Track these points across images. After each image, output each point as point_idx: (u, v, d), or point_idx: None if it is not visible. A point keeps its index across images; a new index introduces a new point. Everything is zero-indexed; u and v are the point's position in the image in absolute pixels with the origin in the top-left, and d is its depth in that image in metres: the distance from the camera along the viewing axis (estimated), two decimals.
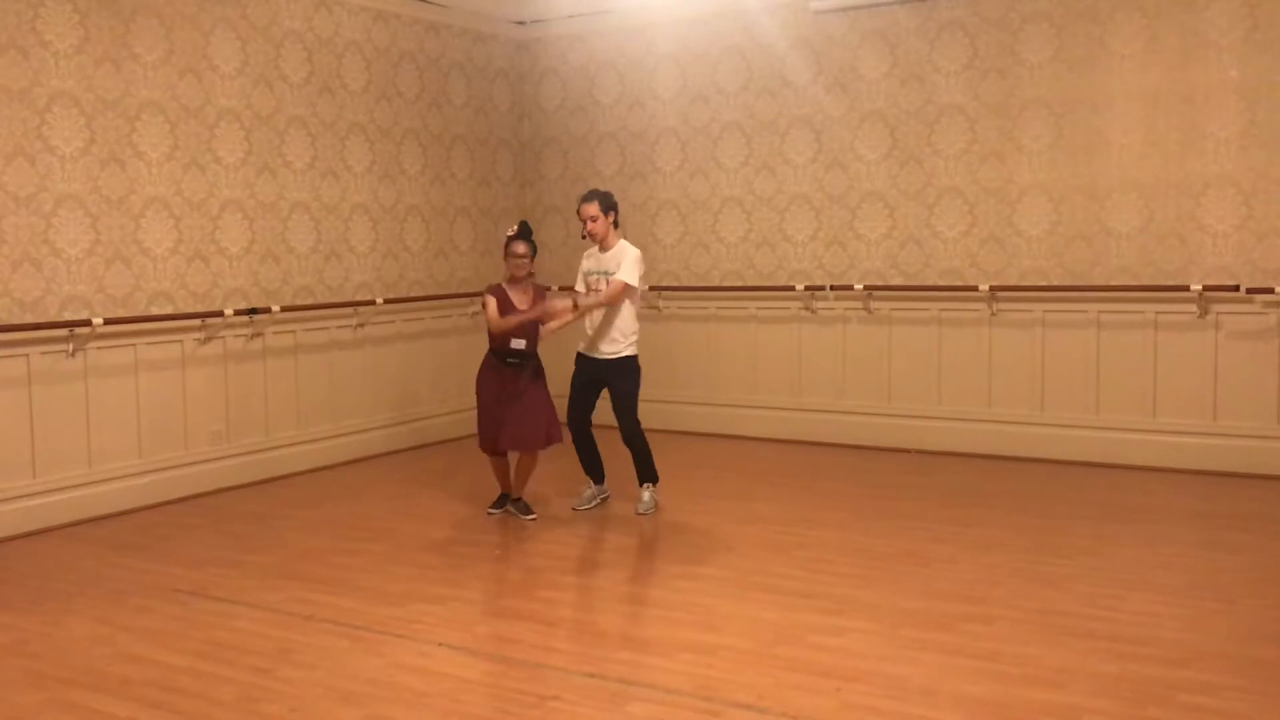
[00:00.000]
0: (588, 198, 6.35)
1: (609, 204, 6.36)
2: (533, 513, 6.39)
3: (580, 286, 6.51)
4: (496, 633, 4.65)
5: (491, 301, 6.20)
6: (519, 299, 6.22)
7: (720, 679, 4.05)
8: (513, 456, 6.45)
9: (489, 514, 6.47)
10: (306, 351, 7.87)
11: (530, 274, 6.32)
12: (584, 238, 6.43)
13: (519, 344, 6.18)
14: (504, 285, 6.27)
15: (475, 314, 9.19)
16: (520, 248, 6.20)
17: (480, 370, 6.35)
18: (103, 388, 6.61)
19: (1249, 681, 3.93)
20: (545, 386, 6.36)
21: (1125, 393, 7.45)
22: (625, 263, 6.29)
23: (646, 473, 6.51)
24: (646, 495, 6.49)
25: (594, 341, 6.39)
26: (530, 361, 6.26)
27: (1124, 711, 3.71)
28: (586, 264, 6.49)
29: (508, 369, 6.20)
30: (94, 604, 5.01)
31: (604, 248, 6.37)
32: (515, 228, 6.27)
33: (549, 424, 6.23)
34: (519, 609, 4.93)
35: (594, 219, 6.28)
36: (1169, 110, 7.23)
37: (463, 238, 9.23)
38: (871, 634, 4.47)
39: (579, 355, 6.51)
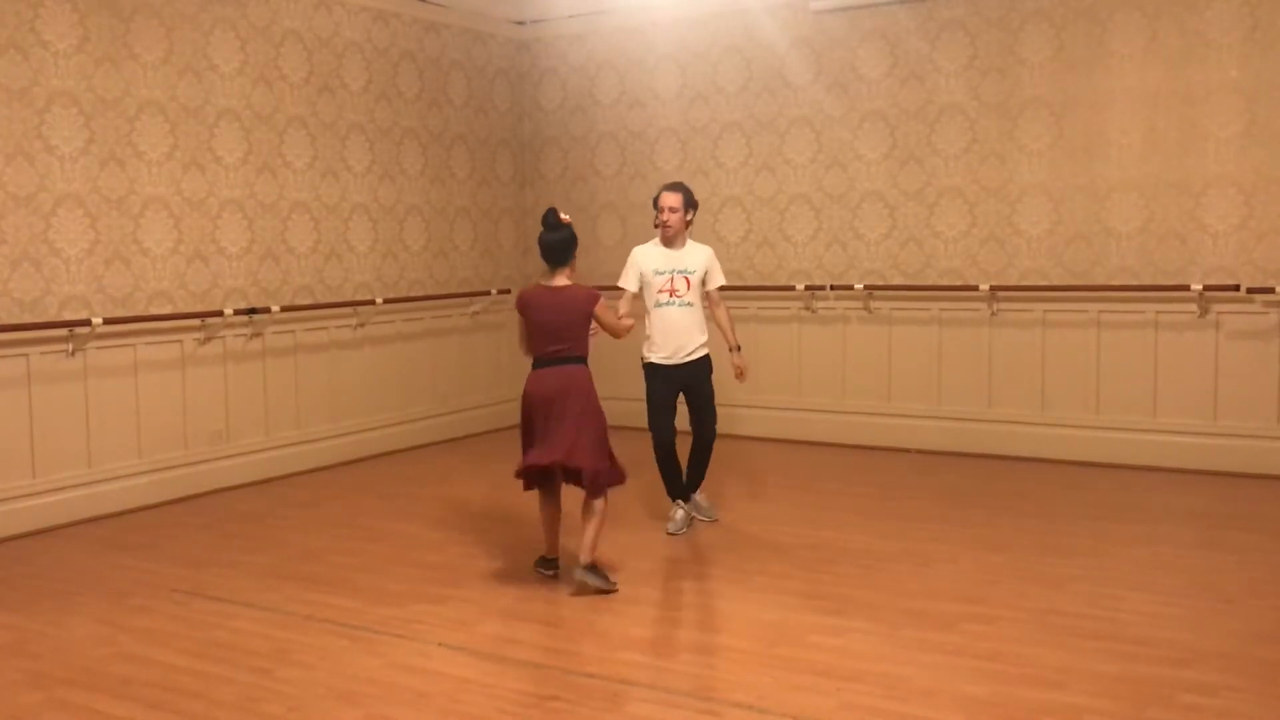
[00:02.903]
0: (673, 188, 5.90)
1: (692, 200, 5.91)
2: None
3: (633, 285, 5.92)
4: (496, 633, 4.65)
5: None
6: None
7: (720, 679, 4.05)
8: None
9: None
10: (306, 351, 7.86)
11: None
12: (656, 227, 5.92)
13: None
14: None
15: (476, 314, 9.20)
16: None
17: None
18: (102, 388, 6.61)
19: (1249, 681, 3.93)
20: None
21: (1125, 393, 7.45)
22: (715, 268, 5.99)
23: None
24: (689, 511, 6.14)
25: (681, 347, 5.86)
26: None
27: (1124, 711, 3.71)
28: (653, 261, 5.90)
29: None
30: (94, 604, 5.02)
31: (675, 244, 5.93)
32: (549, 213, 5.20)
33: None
34: (519, 609, 4.93)
35: (674, 210, 5.82)
36: (1169, 110, 7.23)
37: (463, 238, 9.22)
38: (871, 634, 4.47)
39: (657, 366, 5.90)
